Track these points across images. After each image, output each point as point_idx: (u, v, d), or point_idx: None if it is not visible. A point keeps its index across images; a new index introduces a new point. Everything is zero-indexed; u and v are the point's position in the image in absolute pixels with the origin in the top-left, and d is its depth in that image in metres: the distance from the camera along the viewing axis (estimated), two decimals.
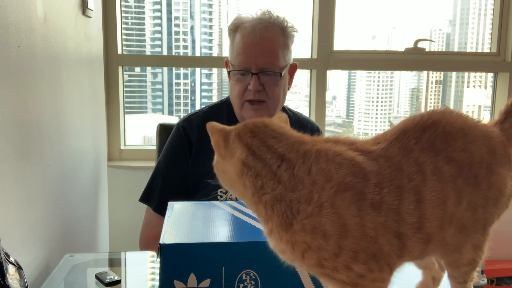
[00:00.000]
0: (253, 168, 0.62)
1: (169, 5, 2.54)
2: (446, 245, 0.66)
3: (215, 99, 1.48)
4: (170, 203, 0.99)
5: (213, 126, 0.69)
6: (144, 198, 1.45)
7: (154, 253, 1.21)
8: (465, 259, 0.69)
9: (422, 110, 2.93)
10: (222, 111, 1.44)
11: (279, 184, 0.61)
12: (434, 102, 2.89)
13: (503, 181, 0.67)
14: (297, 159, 0.62)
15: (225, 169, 0.67)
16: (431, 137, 0.65)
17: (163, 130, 1.66)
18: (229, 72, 1.41)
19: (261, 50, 1.32)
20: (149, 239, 1.43)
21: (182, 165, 1.40)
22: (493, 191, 0.66)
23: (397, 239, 0.61)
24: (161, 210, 1.39)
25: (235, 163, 0.64)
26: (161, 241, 0.78)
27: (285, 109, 1.46)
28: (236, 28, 1.36)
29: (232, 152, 0.65)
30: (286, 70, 1.37)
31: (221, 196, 1.36)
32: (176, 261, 0.79)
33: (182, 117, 1.49)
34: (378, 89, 2.86)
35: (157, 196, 1.41)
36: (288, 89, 1.43)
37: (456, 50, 2.69)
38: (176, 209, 0.96)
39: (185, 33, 2.51)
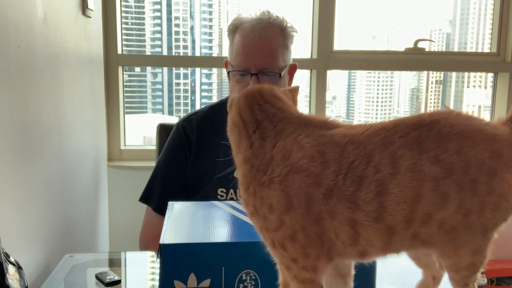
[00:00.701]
0: (237, 128, 0.69)
1: (169, 5, 2.54)
2: (425, 242, 0.65)
3: (215, 99, 1.47)
4: (170, 203, 0.99)
5: (233, 98, 0.74)
6: (144, 198, 1.45)
7: (154, 253, 1.21)
8: (464, 263, 0.68)
9: (422, 110, 2.94)
10: (222, 111, 1.44)
11: (250, 148, 0.66)
12: (434, 102, 2.89)
13: (507, 186, 0.65)
14: (270, 132, 0.66)
15: None
16: (422, 135, 0.63)
17: (163, 130, 1.66)
18: (228, 73, 1.40)
19: (261, 50, 1.31)
20: (149, 239, 1.43)
21: (182, 165, 1.40)
22: (493, 197, 0.64)
23: (349, 227, 0.61)
24: (161, 210, 1.39)
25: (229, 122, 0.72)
26: (161, 241, 0.78)
27: None
28: (235, 28, 1.36)
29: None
30: (286, 70, 1.36)
31: (221, 196, 1.36)
32: (176, 261, 0.79)
33: (182, 117, 1.49)
34: (378, 89, 2.86)
35: (157, 196, 1.41)
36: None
37: (456, 50, 2.69)
38: (176, 209, 0.96)
39: (185, 33, 2.51)
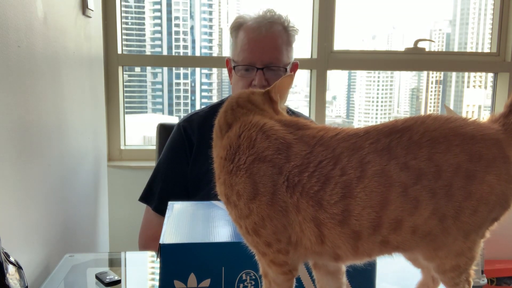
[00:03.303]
0: (215, 131, 0.76)
1: (169, 5, 2.54)
2: (398, 248, 0.64)
3: (215, 99, 1.47)
4: (170, 203, 0.99)
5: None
6: (144, 198, 1.45)
7: (154, 253, 1.21)
8: (448, 265, 0.67)
9: (422, 110, 2.94)
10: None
11: (220, 142, 0.71)
12: (434, 102, 2.89)
13: (488, 189, 0.63)
14: (237, 125, 0.70)
15: None
16: (392, 142, 0.63)
17: (163, 130, 1.66)
18: (230, 70, 1.40)
19: (267, 45, 1.32)
20: (148, 239, 1.43)
21: (182, 165, 1.40)
22: (471, 201, 0.63)
23: (313, 224, 0.62)
24: (160, 210, 1.39)
25: None
26: (161, 241, 0.78)
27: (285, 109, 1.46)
28: (239, 26, 1.37)
29: None
30: (289, 67, 1.37)
31: None
32: (176, 261, 0.79)
33: (182, 117, 1.49)
34: (378, 89, 2.86)
35: (157, 196, 1.41)
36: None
37: (456, 50, 2.69)
38: (176, 209, 0.96)
39: (185, 33, 2.51)
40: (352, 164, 0.62)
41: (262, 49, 1.32)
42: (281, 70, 1.33)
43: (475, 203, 0.63)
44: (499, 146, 0.65)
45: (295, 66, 1.43)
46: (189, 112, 1.51)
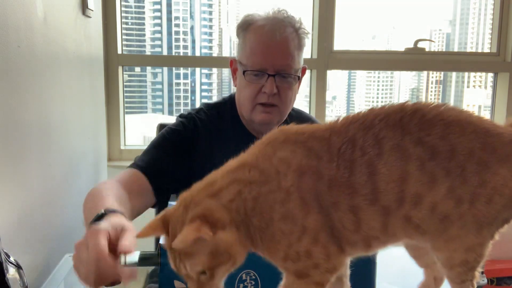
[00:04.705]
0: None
1: (169, 5, 2.55)
2: (418, 228, 0.65)
3: (215, 99, 1.46)
4: (170, 203, 0.98)
5: None
6: (135, 162, 1.28)
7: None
8: (457, 259, 0.68)
9: None
10: (224, 112, 1.38)
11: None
12: (434, 102, 2.89)
13: (502, 181, 0.64)
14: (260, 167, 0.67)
15: None
16: (404, 118, 0.64)
17: None
18: (234, 72, 1.33)
19: (280, 51, 1.24)
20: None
21: (180, 149, 1.28)
22: (486, 189, 0.64)
23: (351, 214, 0.63)
24: (146, 168, 1.22)
25: None
26: (161, 241, 0.78)
27: None
28: (247, 25, 1.28)
29: None
30: (299, 73, 1.31)
31: None
32: None
33: (183, 113, 1.38)
34: (378, 89, 2.86)
35: (146, 161, 1.26)
36: (297, 92, 1.36)
37: (456, 50, 2.69)
38: None
39: (185, 33, 2.51)
40: (369, 143, 0.63)
41: (275, 55, 1.24)
42: (292, 77, 1.27)
43: (489, 191, 0.64)
44: None
45: (303, 70, 1.37)
46: (190, 110, 1.43)
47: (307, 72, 2.28)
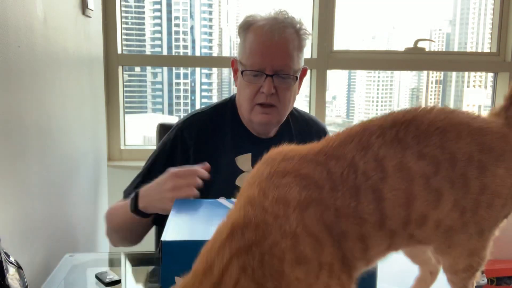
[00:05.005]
0: None
1: (169, 5, 2.55)
2: (421, 242, 0.63)
3: (215, 99, 1.46)
4: (176, 199, 0.98)
5: None
6: (124, 190, 1.36)
7: (154, 253, 1.21)
8: (461, 264, 0.66)
9: None
10: (226, 111, 1.39)
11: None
12: (434, 102, 2.89)
13: (500, 182, 0.62)
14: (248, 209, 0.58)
15: None
16: (399, 133, 0.61)
17: (163, 130, 1.66)
18: (235, 72, 1.34)
19: (278, 51, 1.25)
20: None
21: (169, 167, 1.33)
22: (486, 194, 0.62)
23: (360, 243, 0.59)
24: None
25: None
26: (163, 238, 0.78)
27: (291, 110, 1.42)
28: (248, 26, 1.29)
29: None
30: (299, 74, 1.32)
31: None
32: (177, 258, 0.79)
33: (182, 117, 1.41)
34: (378, 89, 2.86)
35: (133, 191, 1.34)
36: (297, 93, 1.37)
37: (456, 50, 2.69)
38: (181, 205, 0.96)
39: (185, 33, 2.51)
40: (371, 165, 0.59)
41: (273, 55, 1.24)
42: (290, 78, 1.27)
43: (490, 196, 0.62)
44: (506, 140, 0.64)
45: (304, 71, 1.37)
46: (190, 112, 1.45)
47: (307, 72, 2.28)
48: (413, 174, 0.59)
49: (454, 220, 0.62)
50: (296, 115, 1.45)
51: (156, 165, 1.34)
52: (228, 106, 1.39)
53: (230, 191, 1.28)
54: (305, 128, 1.44)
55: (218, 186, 1.29)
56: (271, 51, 1.25)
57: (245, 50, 1.28)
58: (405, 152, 0.60)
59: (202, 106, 1.46)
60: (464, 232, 0.63)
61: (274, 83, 1.25)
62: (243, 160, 1.32)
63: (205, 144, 1.33)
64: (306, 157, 0.61)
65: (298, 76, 1.31)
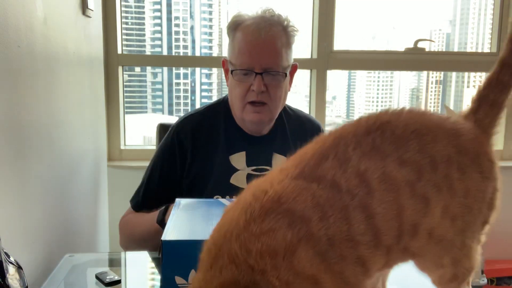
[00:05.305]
0: None
1: (169, 5, 2.55)
2: (415, 255, 0.61)
3: (215, 99, 1.46)
4: (177, 200, 0.98)
5: None
6: (131, 199, 1.42)
7: (149, 253, 1.21)
8: (448, 274, 0.64)
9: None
10: (219, 112, 1.41)
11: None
12: (434, 102, 2.89)
13: (476, 186, 0.60)
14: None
15: None
16: (376, 140, 0.57)
17: (163, 130, 1.66)
18: (226, 72, 1.36)
19: (266, 49, 1.27)
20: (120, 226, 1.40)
21: (170, 171, 1.35)
22: (469, 198, 0.60)
23: (359, 266, 0.55)
24: (139, 209, 1.37)
25: None
26: (163, 238, 0.79)
27: (284, 108, 1.44)
28: (236, 25, 1.31)
29: None
30: (288, 70, 1.33)
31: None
32: (177, 257, 0.79)
33: (177, 119, 1.43)
34: (378, 89, 2.86)
35: (141, 199, 1.38)
36: (289, 90, 1.40)
37: (456, 50, 2.69)
38: (182, 206, 0.97)
39: (185, 33, 2.51)
40: (353, 182, 0.55)
41: (261, 53, 1.26)
42: (280, 74, 1.29)
43: (471, 200, 0.60)
44: (479, 142, 0.63)
45: (294, 68, 1.39)
46: (185, 113, 1.46)
47: (307, 72, 2.29)
48: (398, 183, 0.56)
49: (447, 228, 0.60)
50: (291, 113, 1.46)
51: (157, 172, 1.38)
52: (221, 106, 1.41)
53: (225, 190, 1.31)
54: (299, 126, 1.45)
55: (213, 185, 1.31)
56: (259, 49, 1.27)
57: (234, 50, 1.30)
58: (385, 161, 0.57)
59: (196, 108, 1.48)
60: (447, 240, 0.61)
61: (264, 81, 1.27)
62: (237, 159, 1.33)
63: (201, 144, 1.35)
64: (283, 187, 0.55)
65: (288, 72, 1.33)
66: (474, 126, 0.65)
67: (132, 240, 1.34)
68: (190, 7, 2.55)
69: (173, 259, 0.79)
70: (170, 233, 0.81)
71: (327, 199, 0.54)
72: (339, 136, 0.59)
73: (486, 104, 0.66)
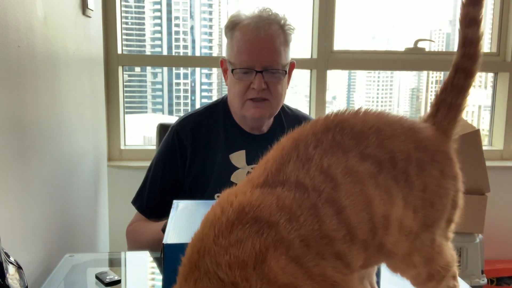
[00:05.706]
0: None
1: (169, 5, 2.54)
2: (390, 253, 0.60)
3: (215, 99, 1.47)
4: (175, 202, 0.99)
5: None
6: (134, 201, 1.43)
7: (150, 252, 1.21)
8: (423, 274, 0.64)
9: (422, 110, 2.93)
10: (217, 111, 1.42)
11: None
12: None
13: (436, 182, 0.61)
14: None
15: None
16: (335, 136, 0.58)
17: (163, 130, 1.66)
18: (224, 71, 1.37)
19: (265, 47, 1.28)
20: (127, 233, 1.41)
21: (171, 171, 1.36)
22: (428, 193, 0.60)
23: (339, 262, 0.54)
24: (147, 213, 1.39)
25: None
26: (164, 241, 0.79)
27: (283, 107, 1.45)
28: (234, 25, 1.33)
29: None
30: (287, 68, 1.34)
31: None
32: (179, 260, 0.79)
33: (176, 120, 1.44)
34: (378, 89, 2.86)
35: (145, 201, 1.39)
36: (286, 88, 1.41)
37: (456, 50, 2.68)
38: (181, 208, 0.96)
39: (185, 33, 2.51)
40: (318, 179, 0.55)
41: (261, 51, 1.28)
42: (279, 72, 1.30)
43: (430, 195, 0.61)
44: (438, 140, 0.64)
45: (292, 66, 1.40)
46: (184, 114, 1.47)
47: (307, 72, 2.28)
48: (362, 175, 0.57)
49: (411, 220, 0.60)
50: (289, 112, 1.48)
51: (158, 173, 1.39)
52: (219, 106, 1.43)
53: (225, 188, 1.31)
54: (296, 125, 1.45)
55: (214, 184, 1.32)
56: (259, 48, 1.28)
57: (233, 49, 1.32)
58: (347, 155, 0.57)
59: (195, 108, 1.49)
60: (419, 236, 0.61)
61: (265, 79, 1.28)
62: (237, 157, 1.34)
63: (201, 143, 1.36)
64: (247, 197, 0.55)
65: (287, 70, 1.34)
66: (433, 127, 0.66)
67: (139, 248, 1.36)
68: (190, 7, 2.54)
69: (175, 262, 0.79)
70: (171, 236, 0.81)
71: (293, 200, 0.54)
72: (297, 138, 0.59)
73: (444, 108, 0.68)
